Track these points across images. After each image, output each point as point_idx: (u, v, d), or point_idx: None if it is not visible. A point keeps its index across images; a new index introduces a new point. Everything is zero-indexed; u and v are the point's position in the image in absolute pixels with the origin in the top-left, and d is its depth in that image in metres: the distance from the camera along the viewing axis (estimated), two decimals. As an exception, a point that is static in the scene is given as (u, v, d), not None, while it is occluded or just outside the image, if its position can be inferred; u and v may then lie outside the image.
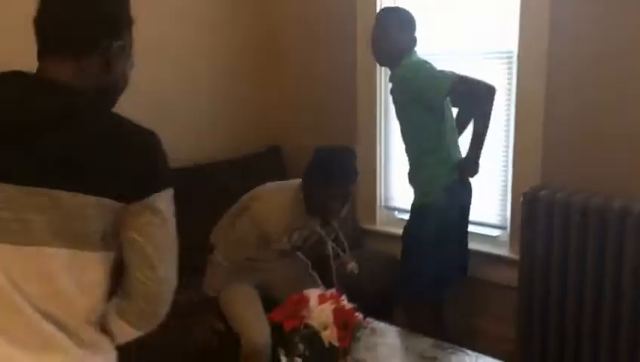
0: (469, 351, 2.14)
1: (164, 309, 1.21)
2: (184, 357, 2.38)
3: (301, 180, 2.35)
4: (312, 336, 1.64)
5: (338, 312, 1.66)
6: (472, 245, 2.90)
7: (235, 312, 2.40)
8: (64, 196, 1.07)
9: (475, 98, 2.44)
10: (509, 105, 2.80)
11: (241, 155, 3.39)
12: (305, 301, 1.69)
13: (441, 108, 2.48)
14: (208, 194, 2.97)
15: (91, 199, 1.08)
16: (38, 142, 1.08)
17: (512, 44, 2.73)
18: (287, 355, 1.70)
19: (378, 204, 3.41)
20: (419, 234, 2.55)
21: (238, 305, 2.42)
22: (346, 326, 1.65)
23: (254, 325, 2.34)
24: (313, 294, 1.71)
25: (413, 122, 2.51)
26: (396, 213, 3.40)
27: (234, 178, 3.13)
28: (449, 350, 2.15)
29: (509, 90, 2.79)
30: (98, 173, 1.09)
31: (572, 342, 2.48)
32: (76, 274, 1.12)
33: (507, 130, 2.82)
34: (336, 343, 1.61)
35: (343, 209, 2.36)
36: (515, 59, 2.73)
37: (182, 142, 3.22)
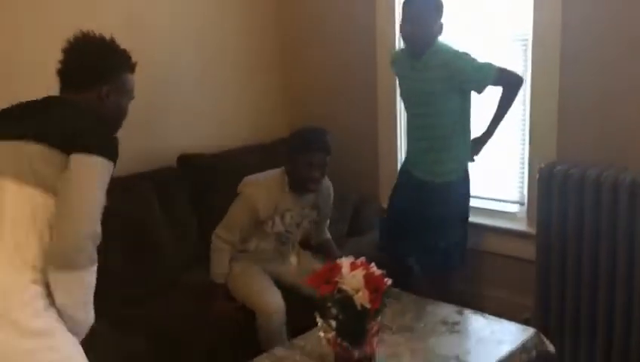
0: (490, 316, 2.29)
1: (62, 248, 1.47)
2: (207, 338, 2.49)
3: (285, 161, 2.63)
4: (346, 300, 1.79)
5: (369, 277, 1.81)
6: (492, 221, 3.06)
7: (246, 290, 2.59)
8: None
9: (508, 86, 2.61)
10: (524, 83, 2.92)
11: (264, 142, 3.54)
12: (338, 268, 1.84)
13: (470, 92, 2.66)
14: (233, 179, 3.12)
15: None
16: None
17: (527, 24, 2.83)
18: (322, 318, 1.86)
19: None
20: (444, 210, 2.72)
21: (247, 283, 2.61)
22: (377, 290, 1.79)
23: (266, 296, 2.54)
24: (345, 262, 1.86)
25: (450, 106, 2.65)
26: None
27: (257, 163, 3.27)
28: (471, 315, 2.30)
29: (524, 69, 2.90)
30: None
31: (588, 310, 2.60)
32: None
33: (524, 109, 2.94)
34: (367, 305, 1.76)
35: (321, 178, 2.62)
36: (530, 38, 2.83)
37: (207, 129, 3.40)
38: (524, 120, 2.96)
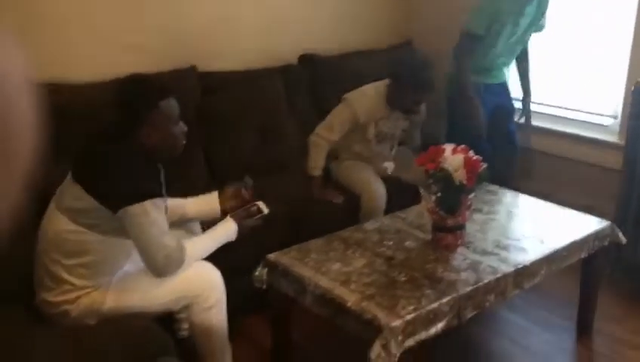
0: (573, 210, 2.60)
1: (151, 270, 1.92)
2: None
3: (390, 80, 2.94)
4: (447, 177, 2.17)
5: (467, 160, 2.17)
6: (584, 132, 3.29)
7: (354, 176, 2.99)
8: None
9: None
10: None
11: (380, 47, 3.85)
12: (441, 150, 2.21)
13: None
14: (347, 80, 3.36)
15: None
16: None
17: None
18: (427, 192, 2.25)
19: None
20: None
21: (356, 171, 3.01)
22: (473, 171, 2.16)
23: (372, 184, 2.92)
24: (448, 147, 2.22)
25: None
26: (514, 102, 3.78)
27: (370, 67, 3.58)
28: (554, 206, 2.63)
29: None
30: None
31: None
32: None
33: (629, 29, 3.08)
34: (464, 181, 2.14)
35: (419, 110, 3.01)
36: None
37: (327, 32, 3.75)
38: (628, 38, 3.10)
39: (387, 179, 3.03)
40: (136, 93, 1.95)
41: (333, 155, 3.08)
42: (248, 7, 3.41)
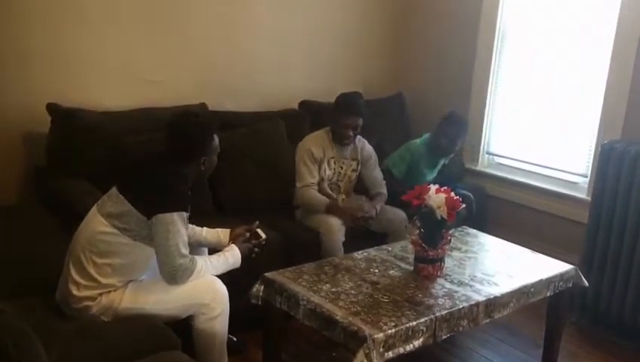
0: (542, 255, 2.87)
1: (166, 274, 2.18)
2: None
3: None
4: (430, 212, 2.44)
5: (448, 199, 2.44)
6: (557, 188, 3.61)
7: (313, 217, 3.20)
8: None
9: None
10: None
11: (370, 98, 4.17)
12: (427, 189, 2.48)
13: None
14: None
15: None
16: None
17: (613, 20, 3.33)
18: (412, 225, 2.52)
19: (482, 149, 4.12)
20: None
21: (315, 215, 3.21)
22: (453, 208, 2.43)
23: (328, 220, 3.13)
24: (432, 187, 2.50)
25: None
26: (495, 158, 4.11)
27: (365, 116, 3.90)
28: (526, 251, 2.90)
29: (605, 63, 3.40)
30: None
31: (625, 269, 3.09)
32: None
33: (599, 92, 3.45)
34: (446, 217, 2.41)
35: (353, 137, 3.27)
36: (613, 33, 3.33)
37: (325, 82, 4.08)
38: (597, 103, 3.46)
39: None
40: (200, 126, 2.30)
41: (296, 203, 3.34)
42: (257, 57, 3.77)
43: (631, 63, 3.26)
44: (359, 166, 3.43)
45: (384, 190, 3.42)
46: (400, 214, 3.29)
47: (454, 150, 3.56)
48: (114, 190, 2.22)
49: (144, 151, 2.49)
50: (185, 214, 2.19)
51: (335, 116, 3.27)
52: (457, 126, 3.50)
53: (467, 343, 3.05)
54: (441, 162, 3.64)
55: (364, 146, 3.44)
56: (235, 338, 2.66)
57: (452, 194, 2.50)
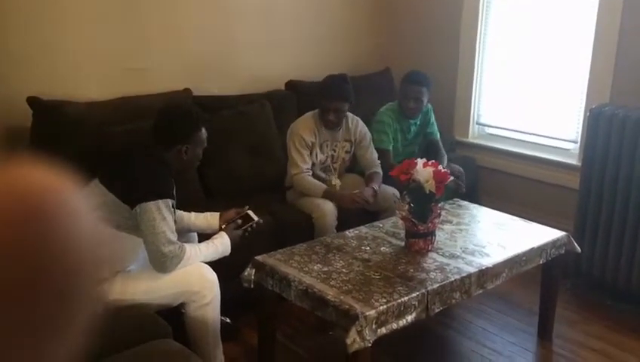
0: (534, 223, 2.86)
1: (155, 262, 2.19)
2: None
3: None
4: (418, 187, 2.42)
5: (436, 172, 2.43)
6: (548, 155, 3.58)
7: (305, 200, 3.16)
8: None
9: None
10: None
11: (359, 74, 4.15)
12: (414, 164, 2.46)
13: None
14: None
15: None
16: None
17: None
18: (401, 201, 2.50)
19: (471, 120, 4.10)
20: None
21: (308, 198, 3.17)
22: (441, 181, 2.42)
23: (320, 204, 3.09)
24: (420, 161, 2.48)
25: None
26: (486, 128, 4.09)
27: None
28: (518, 220, 2.89)
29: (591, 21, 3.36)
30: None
31: (618, 233, 3.10)
32: None
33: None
34: (434, 190, 2.39)
35: (337, 120, 3.20)
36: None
37: (312, 59, 4.04)
38: (585, 68, 3.43)
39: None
40: (187, 114, 2.35)
41: (288, 185, 3.31)
42: (241, 38, 3.71)
43: (616, 26, 3.23)
44: (352, 147, 3.38)
45: (379, 169, 3.35)
46: (394, 191, 3.26)
47: (422, 108, 3.49)
48: (95, 180, 2.20)
49: (127, 141, 2.47)
50: (170, 201, 2.18)
51: (320, 99, 3.24)
52: (417, 83, 3.44)
53: (464, 315, 3.06)
54: (416, 124, 3.58)
55: (358, 125, 3.37)
56: (228, 320, 2.66)
57: (439, 166, 2.49)
